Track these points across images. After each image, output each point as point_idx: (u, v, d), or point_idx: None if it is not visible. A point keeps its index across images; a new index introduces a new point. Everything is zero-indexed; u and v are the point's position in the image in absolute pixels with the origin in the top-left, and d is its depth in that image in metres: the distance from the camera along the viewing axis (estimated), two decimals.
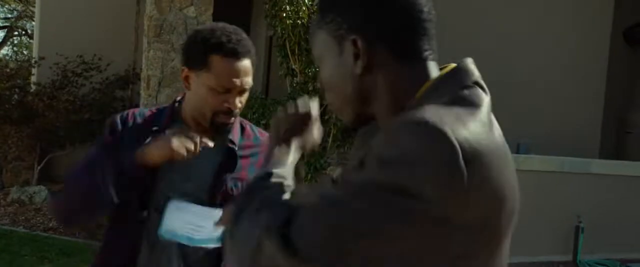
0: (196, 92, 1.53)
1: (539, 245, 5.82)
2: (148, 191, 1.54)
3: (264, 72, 9.25)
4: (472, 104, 0.88)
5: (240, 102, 1.53)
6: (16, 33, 23.27)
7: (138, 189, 1.52)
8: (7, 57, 18.04)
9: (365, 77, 0.93)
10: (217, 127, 1.54)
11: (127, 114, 1.63)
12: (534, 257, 5.76)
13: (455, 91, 0.89)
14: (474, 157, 0.79)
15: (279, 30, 5.75)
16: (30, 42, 23.28)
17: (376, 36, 0.92)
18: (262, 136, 1.68)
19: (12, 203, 7.27)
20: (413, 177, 0.76)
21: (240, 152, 1.61)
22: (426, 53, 0.94)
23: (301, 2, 5.64)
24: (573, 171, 5.98)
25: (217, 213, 1.19)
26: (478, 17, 7.68)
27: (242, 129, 1.66)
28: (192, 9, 6.89)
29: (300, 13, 5.61)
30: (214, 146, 1.54)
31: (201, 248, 1.48)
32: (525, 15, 7.92)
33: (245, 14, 9.45)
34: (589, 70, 8.33)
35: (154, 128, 1.57)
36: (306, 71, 5.72)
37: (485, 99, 0.91)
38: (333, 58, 0.96)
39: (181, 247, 1.51)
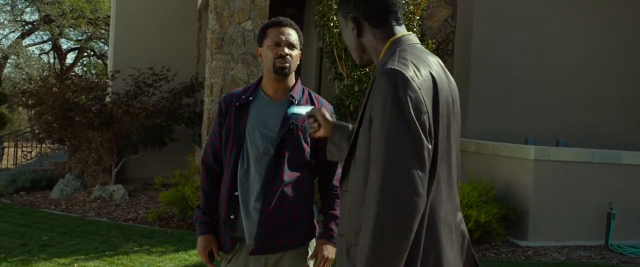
0: (264, 56, 2.38)
1: (572, 230, 6.23)
2: (241, 142, 2.35)
3: (316, 78, 9.99)
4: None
5: (289, 53, 2.33)
6: (85, 54, 24.97)
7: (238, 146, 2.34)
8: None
9: (359, 38, 1.75)
10: (278, 70, 2.32)
11: (226, 96, 2.47)
12: (568, 241, 6.17)
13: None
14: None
15: (327, 39, 6.38)
16: (98, 62, 24.94)
17: (361, 16, 1.72)
18: (317, 97, 2.48)
19: (95, 200, 8.22)
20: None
21: (299, 104, 2.37)
22: (392, 22, 1.70)
23: None
24: (604, 162, 6.35)
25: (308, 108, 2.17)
26: (522, 26, 8.14)
27: (303, 90, 2.46)
28: (249, 22, 7.67)
29: (340, 25, 6.22)
30: (282, 101, 2.37)
31: (276, 188, 2.29)
32: (564, 21, 8.32)
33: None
34: (627, 71, 8.61)
35: (243, 97, 2.40)
36: (352, 74, 6.31)
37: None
38: (344, 29, 1.80)
39: (264, 188, 2.29)
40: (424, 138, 1.46)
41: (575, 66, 8.43)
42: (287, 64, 2.33)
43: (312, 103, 2.43)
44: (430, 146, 1.49)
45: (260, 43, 2.41)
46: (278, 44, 2.32)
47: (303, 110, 2.15)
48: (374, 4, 1.69)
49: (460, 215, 1.70)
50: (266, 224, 2.28)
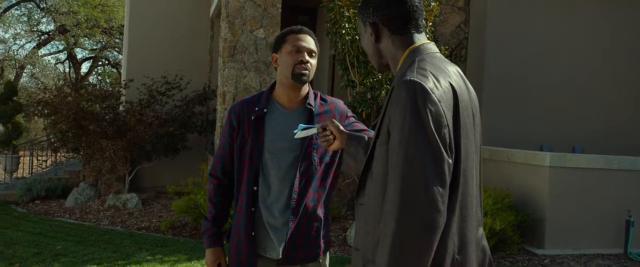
0: (281, 63, 2.32)
1: (590, 238, 6.11)
2: (260, 156, 2.30)
3: (329, 85, 9.97)
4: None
5: (309, 60, 2.30)
6: (100, 63, 25.18)
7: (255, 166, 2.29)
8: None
9: (377, 44, 1.71)
10: (297, 77, 2.27)
11: (236, 107, 2.39)
12: (586, 249, 6.06)
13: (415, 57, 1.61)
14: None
15: (339, 46, 6.35)
16: (112, 71, 25.14)
17: (380, 22, 1.67)
18: (329, 98, 2.43)
19: (109, 208, 8.24)
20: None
21: (316, 110, 2.34)
22: (411, 30, 1.66)
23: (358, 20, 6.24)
24: (622, 168, 6.23)
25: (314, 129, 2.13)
26: (535, 31, 8.07)
27: (315, 95, 2.41)
28: (261, 30, 7.68)
29: (358, 30, 6.20)
30: (298, 110, 2.33)
31: (301, 200, 2.27)
32: (578, 26, 8.23)
33: None
34: None
35: (256, 108, 2.33)
36: (364, 82, 6.27)
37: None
38: (363, 34, 1.75)
39: (289, 201, 2.26)
40: (444, 152, 1.41)
41: (590, 71, 8.33)
42: (307, 72, 2.29)
43: (327, 106, 2.38)
44: (450, 161, 1.43)
45: (277, 49, 2.36)
46: (299, 51, 2.29)
47: (310, 131, 2.11)
48: (393, 9, 1.64)
49: (481, 230, 1.64)
50: (294, 235, 2.27)
